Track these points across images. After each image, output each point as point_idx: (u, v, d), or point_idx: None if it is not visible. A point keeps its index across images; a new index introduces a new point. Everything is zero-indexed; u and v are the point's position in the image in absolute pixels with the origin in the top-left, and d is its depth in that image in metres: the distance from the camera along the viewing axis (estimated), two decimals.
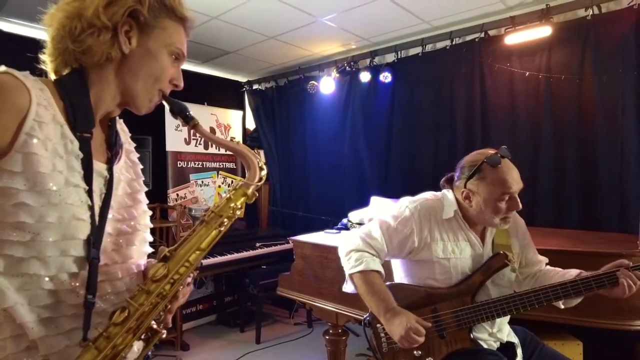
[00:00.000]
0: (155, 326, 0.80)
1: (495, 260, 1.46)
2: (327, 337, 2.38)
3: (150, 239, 0.94)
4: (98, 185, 0.79)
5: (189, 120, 0.89)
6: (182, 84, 0.90)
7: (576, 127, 2.74)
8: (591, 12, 2.64)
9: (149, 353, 0.83)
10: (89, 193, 0.76)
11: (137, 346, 0.81)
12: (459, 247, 1.50)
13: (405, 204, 1.58)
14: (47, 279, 0.71)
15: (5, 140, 0.67)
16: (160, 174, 3.95)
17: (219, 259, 3.52)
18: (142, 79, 0.83)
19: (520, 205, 1.43)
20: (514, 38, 2.87)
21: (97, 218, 0.77)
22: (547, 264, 1.62)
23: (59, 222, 0.71)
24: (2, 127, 0.67)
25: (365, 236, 1.58)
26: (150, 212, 0.96)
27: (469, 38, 3.18)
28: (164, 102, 0.89)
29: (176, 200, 4.05)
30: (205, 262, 3.38)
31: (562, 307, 1.49)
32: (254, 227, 4.61)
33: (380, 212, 1.68)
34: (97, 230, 0.77)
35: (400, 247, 1.54)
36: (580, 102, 2.72)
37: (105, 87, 0.82)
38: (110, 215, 0.81)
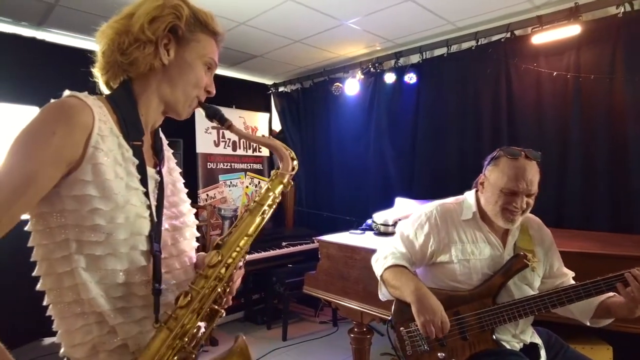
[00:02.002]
0: (216, 306, 0.89)
1: (516, 262, 1.48)
2: (352, 336, 2.43)
3: (198, 234, 1.04)
4: (151, 187, 0.89)
5: (223, 122, 0.99)
6: (214, 91, 0.99)
7: (606, 127, 2.68)
8: (622, 10, 2.57)
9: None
10: (146, 194, 0.86)
11: (202, 325, 0.90)
12: (478, 248, 1.53)
13: (423, 210, 1.65)
14: (121, 272, 0.81)
15: (78, 154, 0.77)
16: (191, 175, 4.10)
17: (248, 256, 3.61)
18: (181, 87, 0.92)
19: (520, 206, 1.44)
20: (541, 37, 2.83)
21: (155, 216, 0.87)
22: (573, 278, 1.61)
23: (126, 222, 0.81)
24: (75, 143, 0.77)
25: (391, 247, 1.67)
26: (194, 210, 1.05)
27: (494, 38, 3.15)
28: (200, 108, 0.99)
29: (206, 200, 4.19)
30: None
31: (589, 324, 1.49)
32: (280, 227, 4.71)
33: (401, 223, 1.74)
34: (156, 226, 0.86)
35: (422, 252, 1.60)
36: (611, 102, 2.66)
37: (150, 96, 0.92)
38: (164, 213, 0.91)
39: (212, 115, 0.99)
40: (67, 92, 0.82)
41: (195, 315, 0.83)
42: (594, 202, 2.76)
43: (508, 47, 3.06)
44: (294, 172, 1.00)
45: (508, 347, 1.46)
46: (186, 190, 1.05)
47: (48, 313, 0.84)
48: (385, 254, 1.66)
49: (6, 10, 2.96)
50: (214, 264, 0.86)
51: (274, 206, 0.96)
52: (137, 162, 0.85)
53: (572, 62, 2.79)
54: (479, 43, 3.22)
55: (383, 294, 1.67)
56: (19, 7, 2.89)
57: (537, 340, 1.54)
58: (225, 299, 0.92)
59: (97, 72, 0.92)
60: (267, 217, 0.95)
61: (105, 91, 0.93)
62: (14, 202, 0.71)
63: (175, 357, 0.80)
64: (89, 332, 0.80)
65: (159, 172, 0.93)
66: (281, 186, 0.98)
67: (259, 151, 4.73)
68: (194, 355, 0.85)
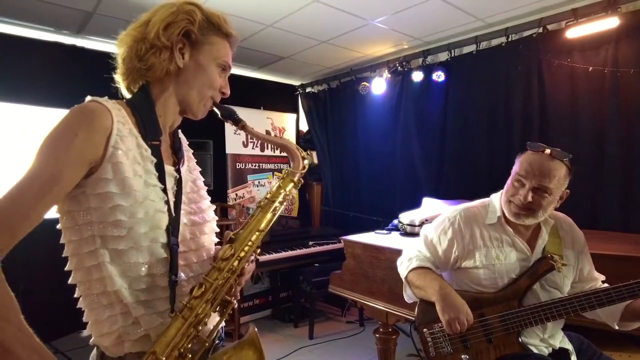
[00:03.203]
0: (228, 297, 0.92)
1: (542, 264, 1.44)
2: (377, 336, 2.42)
3: (217, 229, 1.07)
4: (170, 184, 0.93)
5: (237, 122, 1.03)
6: (229, 92, 1.02)
7: None
8: None
9: (222, 328, 0.95)
10: (164, 190, 0.90)
11: (215, 318, 0.93)
12: (504, 253, 1.50)
13: (446, 214, 1.63)
14: (143, 265, 0.86)
15: (99, 154, 0.82)
16: (221, 175, 4.21)
17: (274, 255, 3.69)
18: (196, 88, 0.96)
19: (524, 199, 1.41)
20: (576, 32, 2.72)
21: (172, 210, 0.91)
22: (603, 282, 1.55)
23: (146, 216, 0.85)
24: (96, 144, 0.82)
25: (416, 250, 1.67)
26: (214, 207, 1.09)
27: (526, 34, 3.05)
28: (215, 109, 1.02)
29: (235, 200, 4.29)
30: (262, 258, 3.57)
31: (617, 327, 1.44)
32: (307, 226, 4.75)
33: (425, 227, 1.74)
34: (174, 220, 0.90)
35: (446, 257, 1.59)
36: None
37: (167, 98, 0.96)
38: (183, 209, 0.95)
39: (227, 116, 1.02)
40: (88, 98, 0.88)
41: (209, 305, 0.87)
42: (632, 204, 2.63)
43: (540, 42, 2.96)
44: (304, 171, 1.04)
45: (535, 351, 1.42)
46: (206, 188, 1.09)
47: (79, 305, 0.89)
48: (409, 256, 1.66)
49: (48, 20, 3.14)
50: (227, 257, 0.90)
51: (284, 203, 0.99)
52: (155, 160, 0.90)
53: (609, 57, 2.66)
54: (510, 39, 3.13)
55: (408, 296, 1.67)
56: (60, 17, 3.06)
57: (568, 345, 1.49)
58: (234, 290, 0.95)
59: (119, 78, 0.98)
60: (278, 213, 0.98)
61: (127, 95, 0.98)
62: (41, 199, 0.76)
63: (190, 345, 0.84)
64: (115, 322, 0.85)
65: (178, 170, 0.98)
66: (292, 184, 1.01)
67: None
68: (207, 344, 0.88)
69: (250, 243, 0.93)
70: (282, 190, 0.99)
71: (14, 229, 0.73)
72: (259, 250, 0.98)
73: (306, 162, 1.04)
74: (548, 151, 1.43)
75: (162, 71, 0.92)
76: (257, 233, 0.94)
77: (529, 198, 1.41)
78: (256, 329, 0.96)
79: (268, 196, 0.98)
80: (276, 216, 0.98)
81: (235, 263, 0.91)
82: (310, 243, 4.02)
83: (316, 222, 4.92)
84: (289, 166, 1.06)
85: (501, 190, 1.59)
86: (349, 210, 4.51)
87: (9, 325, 0.69)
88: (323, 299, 4.29)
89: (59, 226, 0.87)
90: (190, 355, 0.85)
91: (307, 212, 4.93)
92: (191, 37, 0.93)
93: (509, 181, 1.52)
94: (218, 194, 4.01)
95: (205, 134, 3.74)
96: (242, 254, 0.92)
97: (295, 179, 1.02)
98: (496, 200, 1.58)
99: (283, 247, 3.84)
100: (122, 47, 0.93)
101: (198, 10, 0.93)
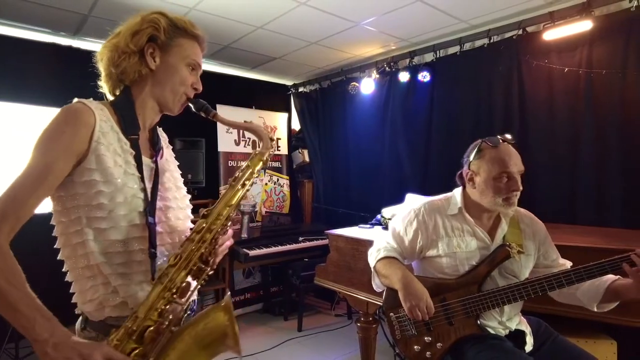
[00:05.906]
0: (202, 265, 1.02)
1: (500, 252, 1.54)
2: (358, 325, 2.53)
3: (192, 217, 1.18)
4: (147, 173, 1.05)
5: (209, 112, 1.13)
6: (201, 88, 1.13)
7: (619, 123, 2.65)
8: (635, 4, 2.54)
9: (195, 301, 1.04)
10: (141, 179, 1.02)
11: (193, 284, 1.02)
12: (465, 242, 1.59)
13: (412, 207, 1.73)
14: (122, 242, 0.98)
15: (85, 147, 0.95)
16: (213, 172, 4.31)
17: (265, 250, 3.79)
18: (169, 87, 1.08)
19: (520, 186, 1.50)
20: (553, 34, 2.83)
21: (149, 195, 1.02)
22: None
23: (125, 201, 0.98)
24: (81, 138, 0.95)
25: (384, 242, 1.77)
26: (190, 196, 1.21)
27: (507, 35, 3.16)
28: (189, 103, 1.13)
29: None
30: (253, 253, 3.68)
31: (596, 309, 1.51)
32: (298, 223, 4.85)
33: (393, 220, 1.83)
34: (150, 203, 1.02)
35: (411, 247, 1.69)
36: (624, 98, 2.62)
37: (145, 98, 1.08)
38: (159, 195, 1.07)
39: (199, 108, 1.13)
40: (75, 99, 1.00)
41: (183, 272, 0.98)
42: (607, 199, 2.74)
43: (520, 44, 3.07)
44: (273, 150, 1.14)
45: (493, 332, 1.53)
46: (182, 180, 1.21)
47: (66, 278, 1.02)
48: (378, 247, 1.76)
49: (45, 22, 3.25)
50: (199, 229, 1.01)
51: (252, 180, 1.10)
52: (133, 152, 1.02)
53: (584, 58, 2.77)
54: (492, 40, 3.23)
55: (376, 285, 1.77)
56: (57, 19, 3.17)
57: (524, 327, 1.59)
58: (212, 260, 1.05)
59: (102, 84, 1.11)
60: (246, 189, 1.08)
61: (111, 98, 1.10)
62: (37, 187, 0.90)
63: (167, 307, 0.95)
64: (97, 291, 0.98)
65: (155, 162, 1.09)
66: (261, 163, 1.11)
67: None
68: (180, 307, 0.99)
69: (221, 217, 1.04)
70: (250, 170, 1.09)
71: (17, 213, 0.87)
72: (264, 250, 1.06)
73: (274, 142, 1.14)
74: (501, 139, 1.55)
75: (135, 74, 1.04)
76: (227, 208, 1.05)
77: (520, 185, 1.51)
78: (229, 295, 1.05)
79: (237, 175, 1.08)
80: (245, 191, 1.08)
81: (207, 235, 1.01)
82: (300, 239, 4.13)
83: (307, 219, 5.03)
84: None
85: (461, 187, 1.68)
86: (339, 206, 4.61)
87: (15, 290, 0.83)
88: (313, 293, 4.40)
89: (50, 209, 1.00)
90: (171, 316, 0.97)
91: (299, 209, 5.04)
92: (157, 41, 1.05)
93: (488, 182, 1.52)
94: (210, 191, 4.11)
95: (198, 133, 3.84)
96: (214, 227, 1.03)
97: (265, 158, 1.12)
98: (458, 194, 1.68)
99: (274, 242, 3.94)
100: (100, 57, 1.07)
101: (162, 18, 1.06)
